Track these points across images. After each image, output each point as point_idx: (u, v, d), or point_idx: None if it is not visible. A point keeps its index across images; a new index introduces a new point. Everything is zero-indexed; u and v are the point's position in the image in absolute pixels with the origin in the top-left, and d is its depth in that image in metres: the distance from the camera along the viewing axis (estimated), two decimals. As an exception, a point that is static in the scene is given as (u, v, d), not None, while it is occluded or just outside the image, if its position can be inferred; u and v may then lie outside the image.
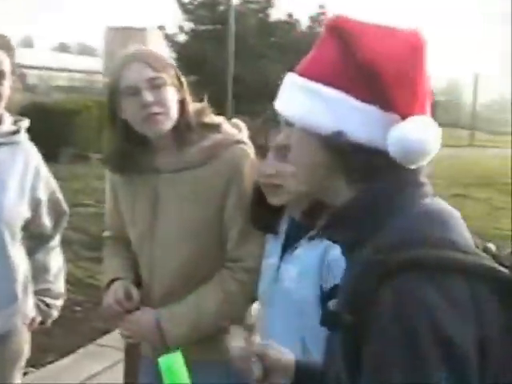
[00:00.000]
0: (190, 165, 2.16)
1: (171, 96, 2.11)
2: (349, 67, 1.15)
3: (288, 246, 1.98)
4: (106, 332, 5.15)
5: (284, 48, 17.30)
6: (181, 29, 19.10)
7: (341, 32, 1.18)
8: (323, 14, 18.42)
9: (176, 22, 19.05)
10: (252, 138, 1.92)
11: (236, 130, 2.25)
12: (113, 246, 2.41)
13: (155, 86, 2.07)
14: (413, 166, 1.15)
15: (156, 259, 2.20)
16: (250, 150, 2.15)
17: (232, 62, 13.46)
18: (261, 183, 1.95)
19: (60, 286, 2.76)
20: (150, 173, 2.20)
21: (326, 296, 1.64)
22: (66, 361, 4.79)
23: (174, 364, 1.35)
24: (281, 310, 1.94)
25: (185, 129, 2.15)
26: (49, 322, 2.73)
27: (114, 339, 4.88)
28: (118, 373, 4.35)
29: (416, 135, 1.12)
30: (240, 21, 15.43)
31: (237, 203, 2.14)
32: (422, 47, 1.17)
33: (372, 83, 1.14)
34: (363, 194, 1.17)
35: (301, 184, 1.27)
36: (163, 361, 1.37)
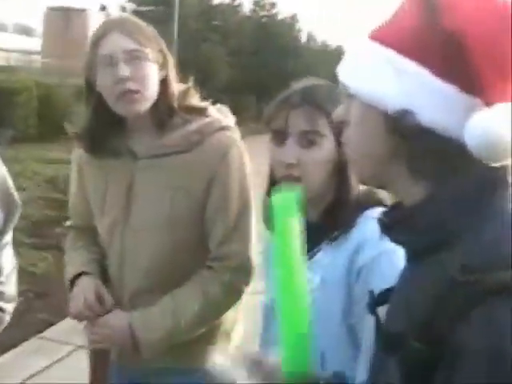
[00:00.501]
0: (171, 150, 1.96)
1: (152, 73, 1.90)
2: (429, 35, 0.96)
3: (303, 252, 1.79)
4: (52, 324, 4.91)
5: (226, 31, 17.22)
6: (123, 9, 18.86)
7: None
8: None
9: (118, 2, 18.80)
10: (267, 121, 1.68)
11: (221, 115, 2.06)
12: (77, 236, 2.19)
13: (134, 58, 1.87)
14: (494, 164, 0.95)
15: (127, 252, 2.00)
16: (237, 136, 2.00)
17: (176, 45, 13.34)
18: (277, 174, 1.67)
19: (12, 288, 2.36)
20: (125, 157, 1.99)
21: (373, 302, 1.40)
22: (6, 356, 4.46)
23: (286, 203, 1.06)
24: None
25: (166, 111, 1.95)
26: (1, 328, 2.32)
27: (61, 332, 4.64)
28: (66, 370, 4.15)
29: (502, 127, 0.91)
30: (182, 3, 15.29)
31: (222, 196, 1.95)
32: None
33: (454, 57, 0.95)
34: (442, 191, 0.98)
35: (360, 172, 1.10)
36: (276, 198, 1.08)
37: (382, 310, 1.08)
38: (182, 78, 2.03)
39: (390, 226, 1.05)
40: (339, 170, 1.65)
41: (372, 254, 1.57)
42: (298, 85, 1.69)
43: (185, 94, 2.00)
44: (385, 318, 1.06)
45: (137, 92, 1.87)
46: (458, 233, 0.95)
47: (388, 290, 1.13)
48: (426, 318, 0.91)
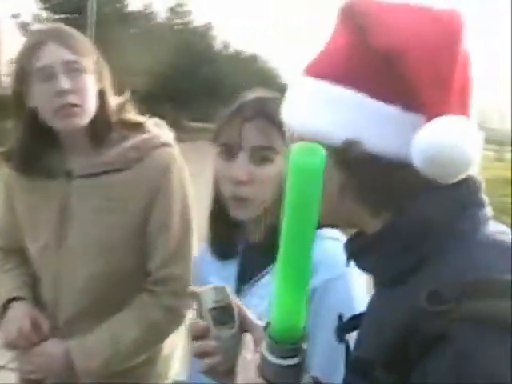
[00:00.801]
0: (109, 168, 1.85)
1: (90, 85, 1.80)
2: (362, 57, 0.92)
3: (244, 276, 1.62)
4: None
5: (142, 38, 17.11)
6: (36, 17, 18.46)
7: (355, 15, 0.94)
8: (181, 6, 18.42)
9: (31, 10, 18.44)
10: (216, 133, 1.56)
11: (159, 129, 1.96)
12: (5, 258, 2.06)
13: (73, 70, 1.76)
14: (446, 181, 0.90)
15: (63, 275, 1.89)
16: (177, 153, 1.91)
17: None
18: (225, 191, 1.55)
19: None
20: (59, 176, 1.87)
21: (342, 328, 1.20)
22: None
23: (309, 167, 0.86)
24: None
25: (103, 126, 1.84)
26: None
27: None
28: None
29: (445, 139, 0.86)
30: (97, 11, 15.08)
31: (164, 216, 1.86)
32: (458, 30, 0.91)
33: (391, 76, 0.90)
34: (404, 216, 0.92)
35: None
36: (298, 160, 0.86)
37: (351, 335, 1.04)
38: (117, 91, 1.93)
39: (356, 254, 1.01)
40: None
41: (326, 277, 1.48)
42: (248, 96, 1.59)
43: (121, 107, 1.90)
44: (355, 343, 1.03)
45: (77, 106, 1.76)
46: (425, 257, 0.89)
47: (356, 317, 1.08)
48: (396, 346, 0.86)
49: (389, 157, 0.91)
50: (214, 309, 1.11)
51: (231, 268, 1.63)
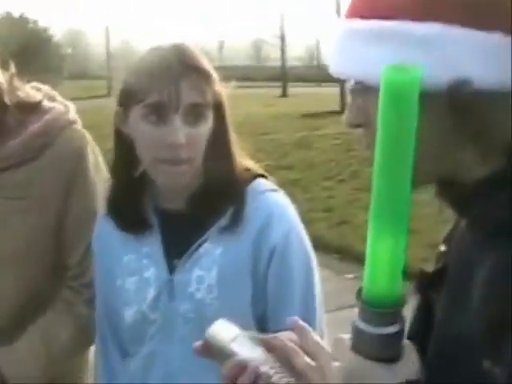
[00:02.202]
0: (13, 163, 1.61)
1: None
2: None
3: (173, 250, 1.46)
4: None
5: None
6: None
7: None
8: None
9: None
10: (136, 93, 1.38)
11: (55, 103, 1.70)
12: None
13: None
14: None
15: None
16: (84, 130, 1.69)
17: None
18: (158, 157, 1.39)
19: None
20: None
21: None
22: None
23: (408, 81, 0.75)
24: (185, 341, 1.39)
25: None
26: None
27: None
28: None
29: None
30: None
31: (83, 206, 1.65)
32: None
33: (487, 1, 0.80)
34: None
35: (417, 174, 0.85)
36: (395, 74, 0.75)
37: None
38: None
39: (459, 201, 0.88)
40: (219, 146, 1.43)
41: (283, 231, 1.39)
42: (164, 46, 1.40)
43: (10, 85, 1.60)
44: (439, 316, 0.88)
45: None
46: None
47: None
48: None
49: (498, 90, 0.81)
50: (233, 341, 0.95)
51: (152, 243, 1.46)
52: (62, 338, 1.68)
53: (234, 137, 1.47)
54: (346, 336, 0.82)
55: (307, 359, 0.86)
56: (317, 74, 24.40)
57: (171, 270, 1.44)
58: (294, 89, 20.69)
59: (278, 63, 22.78)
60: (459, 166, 0.87)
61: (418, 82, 0.73)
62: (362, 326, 0.77)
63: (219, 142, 1.43)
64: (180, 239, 1.44)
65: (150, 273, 1.46)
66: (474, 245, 0.86)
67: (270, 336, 0.95)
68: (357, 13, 0.87)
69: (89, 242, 1.63)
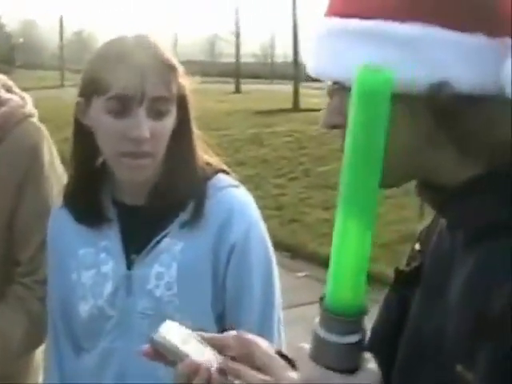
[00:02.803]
0: None
1: None
2: None
3: (131, 245, 1.42)
4: None
5: None
6: None
7: None
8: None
9: None
10: (97, 84, 1.34)
11: (11, 94, 1.65)
12: None
13: None
14: None
15: None
16: (41, 124, 1.63)
17: None
18: (121, 150, 1.35)
19: None
20: None
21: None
22: None
23: (378, 87, 0.74)
24: (142, 337, 1.39)
25: None
26: None
27: None
28: None
29: None
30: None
31: (36, 204, 1.60)
32: None
33: (468, 1, 0.79)
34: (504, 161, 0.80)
35: (393, 172, 0.85)
36: (364, 78, 0.74)
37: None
38: None
39: (441, 205, 0.87)
40: (181, 139, 1.40)
41: (243, 227, 1.37)
42: (127, 37, 1.37)
43: None
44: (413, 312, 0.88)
45: None
46: None
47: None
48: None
49: (479, 92, 0.79)
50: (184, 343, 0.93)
51: (110, 237, 1.43)
52: (19, 334, 1.63)
53: (196, 131, 1.45)
54: (307, 345, 0.79)
55: (260, 376, 0.83)
56: (270, 72, 24.51)
57: (130, 265, 1.41)
58: (247, 85, 20.73)
59: (232, 59, 22.79)
60: (440, 168, 0.85)
61: (391, 84, 0.71)
62: (323, 333, 0.75)
63: (181, 136, 1.40)
64: (139, 234, 1.41)
65: (107, 267, 1.42)
66: (452, 247, 0.85)
67: (218, 336, 0.94)
68: (336, 11, 0.85)
69: (42, 238, 1.58)
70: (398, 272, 0.94)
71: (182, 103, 1.39)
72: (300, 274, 5.45)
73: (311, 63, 0.88)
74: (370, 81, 0.71)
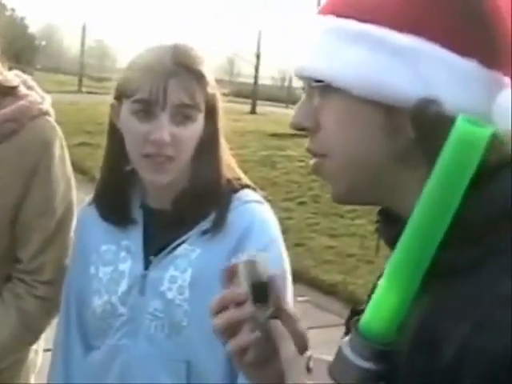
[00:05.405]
0: None
1: None
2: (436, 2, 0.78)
3: (152, 246, 1.46)
4: None
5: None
6: None
7: None
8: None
9: None
10: (127, 88, 1.41)
11: (32, 92, 1.67)
12: None
13: None
14: None
15: None
16: (56, 124, 1.66)
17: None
18: (144, 152, 1.40)
19: None
20: None
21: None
22: None
23: (476, 139, 0.71)
24: (149, 338, 1.43)
25: None
26: None
27: None
28: None
29: None
30: None
31: (43, 201, 1.62)
32: None
33: (471, 26, 0.77)
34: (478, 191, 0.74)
35: (351, 185, 0.84)
36: (466, 130, 0.70)
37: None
38: None
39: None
40: (208, 149, 1.45)
41: (262, 242, 1.39)
42: (164, 46, 1.42)
43: None
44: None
45: None
46: (495, 251, 0.74)
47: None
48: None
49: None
50: (253, 284, 0.94)
51: (133, 237, 1.47)
52: (7, 332, 1.63)
53: (224, 143, 1.49)
54: (325, 357, 0.81)
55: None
56: (287, 95, 24.54)
57: (147, 266, 1.45)
58: (262, 107, 20.77)
59: (250, 80, 22.86)
60: (405, 192, 0.81)
61: (486, 141, 0.69)
62: (348, 353, 0.76)
63: (208, 145, 1.44)
64: (160, 237, 1.45)
65: (125, 266, 1.46)
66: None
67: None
68: (333, 10, 0.83)
69: (44, 237, 1.61)
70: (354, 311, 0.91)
71: (210, 112, 1.43)
72: (300, 299, 5.44)
73: (300, 60, 0.85)
74: (470, 131, 0.69)
